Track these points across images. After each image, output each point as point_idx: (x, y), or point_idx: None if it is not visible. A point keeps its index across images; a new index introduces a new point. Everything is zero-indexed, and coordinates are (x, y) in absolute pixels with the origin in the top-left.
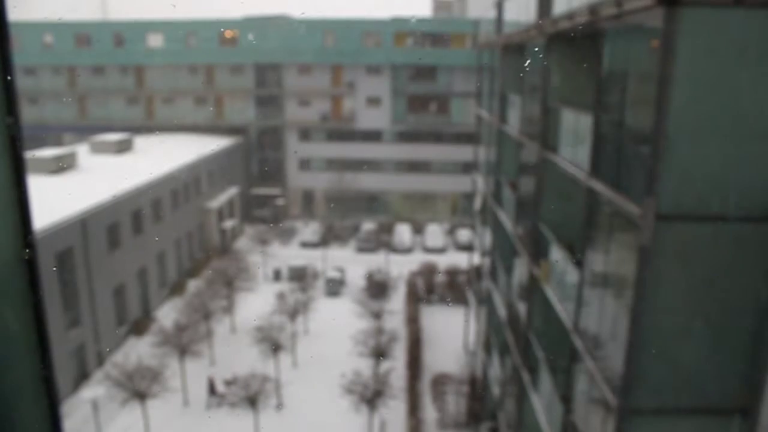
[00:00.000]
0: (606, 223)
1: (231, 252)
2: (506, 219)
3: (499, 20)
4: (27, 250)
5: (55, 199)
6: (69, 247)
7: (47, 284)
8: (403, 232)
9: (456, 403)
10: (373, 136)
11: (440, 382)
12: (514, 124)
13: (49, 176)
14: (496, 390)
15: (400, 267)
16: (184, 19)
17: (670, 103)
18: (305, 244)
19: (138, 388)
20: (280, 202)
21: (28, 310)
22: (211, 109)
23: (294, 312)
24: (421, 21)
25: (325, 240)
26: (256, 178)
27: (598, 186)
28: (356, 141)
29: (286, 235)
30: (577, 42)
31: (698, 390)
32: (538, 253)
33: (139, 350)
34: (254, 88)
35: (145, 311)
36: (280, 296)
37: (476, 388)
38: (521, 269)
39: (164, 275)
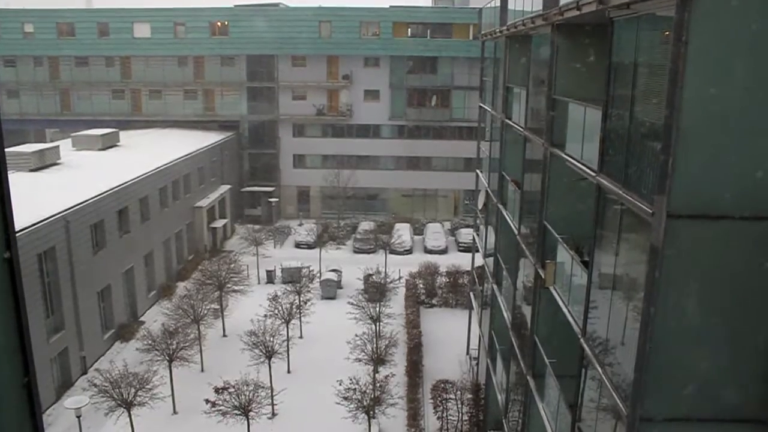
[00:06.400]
0: (615, 222)
1: (222, 253)
2: (510, 218)
3: (503, 9)
4: (7, 250)
5: (36, 197)
6: (51, 247)
7: (28, 286)
8: (402, 232)
9: (458, 411)
10: (371, 131)
11: (441, 388)
12: (518, 119)
13: (30, 173)
14: (500, 397)
15: (400, 268)
16: (172, 8)
17: (682, 96)
18: (300, 245)
19: (124, 396)
20: (273, 200)
21: (8, 313)
22: (201, 102)
23: (288, 315)
24: (422, 10)
25: (321, 240)
26: (249, 175)
27: (607, 183)
28: (353, 136)
29: (280, 235)
30: (585, 32)
31: (713, 398)
32: (544, 253)
33: (125, 356)
34: (246, 81)
35: (132, 315)
36: (274, 299)
37: (479, 396)
38: (526, 270)
39: (152, 277)
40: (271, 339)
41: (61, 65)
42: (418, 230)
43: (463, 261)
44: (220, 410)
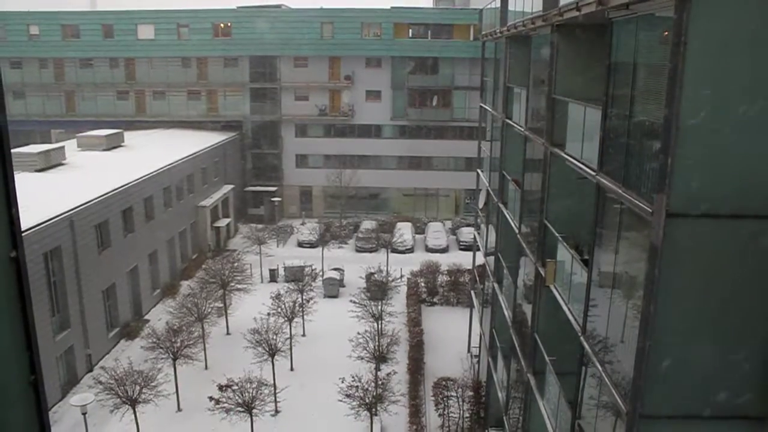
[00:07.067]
0: (615, 221)
1: (225, 252)
2: (511, 217)
3: (503, 10)
4: (14, 250)
5: (42, 197)
6: (57, 246)
7: (34, 285)
8: (404, 231)
9: (459, 409)
10: (372, 131)
11: (443, 386)
12: (519, 119)
13: (36, 173)
14: (501, 394)
15: (402, 267)
16: (175, 10)
17: (681, 95)
18: (302, 244)
19: (129, 393)
20: (276, 199)
21: (15, 311)
22: (204, 103)
23: (291, 314)
24: (423, 11)
25: (323, 239)
26: (251, 175)
27: (607, 183)
28: (355, 136)
29: (283, 234)
30: (585, 32)
31: (713, 395)
32: (545, 252)
33: (130, 354)
34: (249, 82)
35: (137, 313)
36: (277, 297)
37: (480, 393)
38: (527, 269)
39: (156, 276)
40: (274, 337)
41: (66, 67)
42: (420, 229)
43: (464, 260)
44: (224, 407)
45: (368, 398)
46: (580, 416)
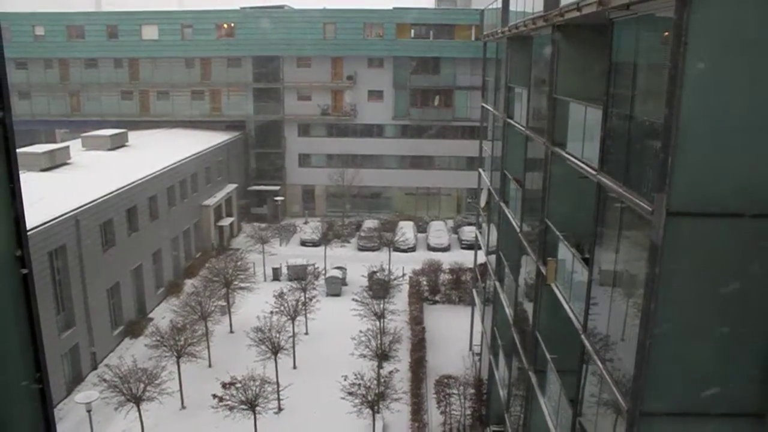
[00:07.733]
0: (616, 220)
1: (229, 250)
2: (512, 216)
3: (504, 10)
4: (19, 249)
5: (47, 197)
6: (62, 245)
7: (40, 283)
8: (406, 230)
9: (461, 406)
10: (374, 131)
11: (444, 384)
12: (520, 118)
13: (41, 173)
14: (502, 392)
15: (404, 265)
16: (179, 10)
17: (681, 95)
18: (305, 243)
19: (133, 391)
20: (279, 199)
21: (20, 310)
22: (208, 103)
23: (294, 312)
24: (425, 11)
25: (326, 238)
26: (255, 175)
27: (608, 182)
28: (358, 136)
29: (286, 233)
30: (586, 33)
31: (713, 393)
32: (546, 251)
33: (134, 352)
34: (252, 82)
35: (141, 311)
36: (280, 296)
37: (482, 391)
38: (528, 267)
39: (160, 274)
40: (277, 335)
41: (71, 67)
42: (422, 228)
43: (465, 258)
44: (227, 405)
45: (370, 396)
46: (581, 414)
